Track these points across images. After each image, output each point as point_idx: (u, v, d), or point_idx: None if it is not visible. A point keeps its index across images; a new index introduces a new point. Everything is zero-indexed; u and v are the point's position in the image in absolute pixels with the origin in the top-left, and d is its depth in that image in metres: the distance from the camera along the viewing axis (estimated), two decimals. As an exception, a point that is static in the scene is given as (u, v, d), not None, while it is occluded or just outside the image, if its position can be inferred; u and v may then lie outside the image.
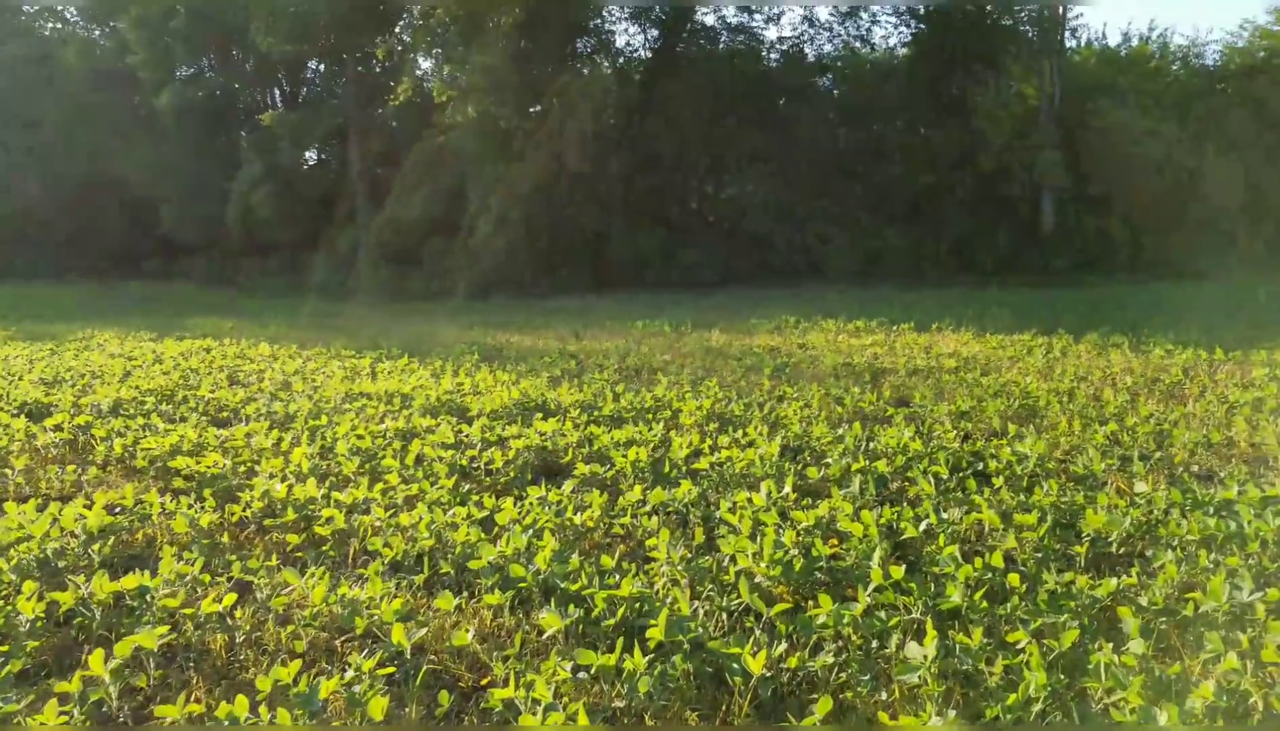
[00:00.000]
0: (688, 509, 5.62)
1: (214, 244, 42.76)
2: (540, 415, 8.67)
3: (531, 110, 33.51)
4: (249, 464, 6.90)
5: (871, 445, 7.13)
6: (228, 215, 41.22)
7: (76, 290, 34.02)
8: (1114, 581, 4.12)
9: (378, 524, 5.30)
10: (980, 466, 6.51)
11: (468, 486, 6.16)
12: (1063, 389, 9.57)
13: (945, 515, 5.10)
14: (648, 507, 5.56)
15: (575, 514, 5.44)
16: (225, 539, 5.41)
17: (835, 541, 4.91)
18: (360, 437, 7.59)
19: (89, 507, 5.52)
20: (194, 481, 6.47)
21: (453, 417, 8.64)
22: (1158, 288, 27.19)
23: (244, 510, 5.75)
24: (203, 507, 5.79)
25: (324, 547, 5.16)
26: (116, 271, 41.46)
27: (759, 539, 4.67)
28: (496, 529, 5.27)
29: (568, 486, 5.97)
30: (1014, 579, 4.17)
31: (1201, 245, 31.26)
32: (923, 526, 4.93)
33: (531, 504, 5.66)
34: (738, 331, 17.31)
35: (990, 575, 4.26)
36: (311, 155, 46.45)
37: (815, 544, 4.67)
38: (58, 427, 8.07)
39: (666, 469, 6.37)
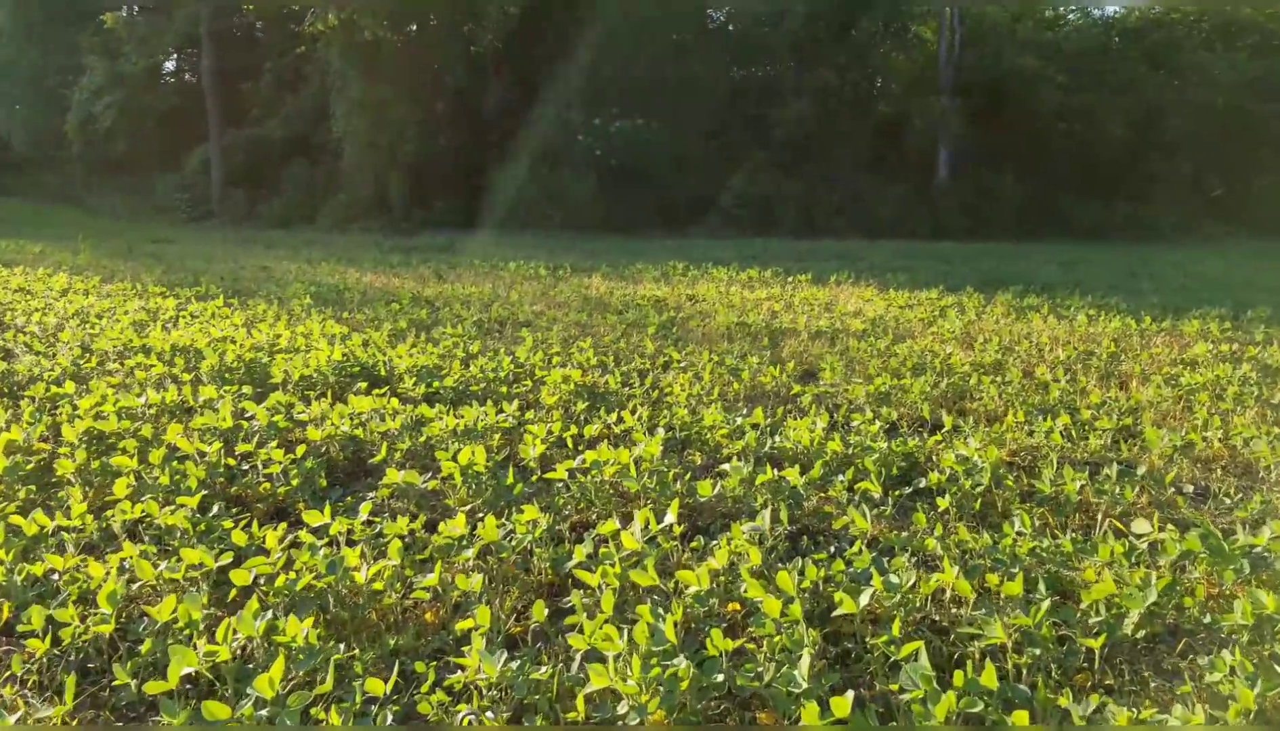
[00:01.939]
0: (529, 555, 3.92)
1: (56, 158, 38.16)
2: (365, 384, 6.78)
3: (409, 28, 30.47)
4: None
5: (777, 439, 5.56)
6: (68, 126, 36.74)
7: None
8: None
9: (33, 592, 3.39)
10: (918, 478, 5.03)
11: (219, 507, 4.27)
12: (988, 362, 8.24)
13: (894, 576, 3.54)
14: (470, 554, 3.81)
15: (359, 562, 3.65)
16: None
17: (743, 627, 3.31)
18: (103, 418, 5.56)
19: None
20: None
21: (249, 387, 6.65)
22: (1059, 246, 26.77)
23: None
24: None
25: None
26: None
27: (626, 632, 3.01)
28: (232, 594, 3.45)
29: (365, 509, 4.17)
30: (1021, 719, 2.63)
31: (1098, 201, 31.16)
32: (864, 598, 3.36)
33: (297, 545, 3.84)
34: (621, 278, 15.59)
35: (982, 705, 2.71)
36: (169, 64, 41.89)
37: (711, 636, 3.03)
38: None
39: (509, 479, 4.63)
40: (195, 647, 2.92)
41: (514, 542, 3.93)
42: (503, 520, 4.16)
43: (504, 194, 30.41)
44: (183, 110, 37.29)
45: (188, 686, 2.92)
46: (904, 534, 4.19)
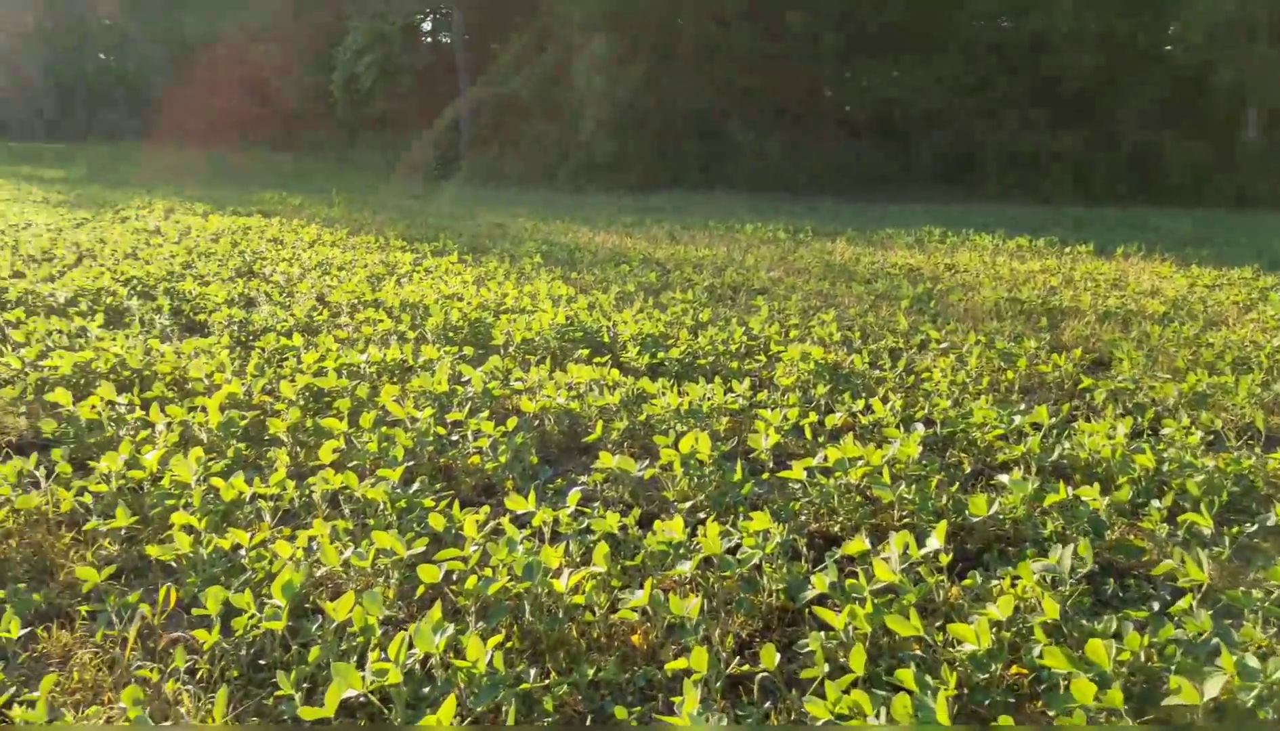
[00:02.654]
0: (758, 572, 3.32)
1: (322, 116, 41.50)
2: (586, 350, 6.42)
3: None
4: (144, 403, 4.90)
5: (1066, 446, 4.62)
6: (333, 85, 39.80)
7: (185, 155, 33.04)
8: None
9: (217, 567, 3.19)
10: (1262, 512, 3.97)
11: (422, 481, 3.99)
12: (1338, 363, 6.70)
13: (1250, 656, 2.63)
14: (687, 568, 3.27)
15: (561, 565, 3.21)
16: None
17: (1031, 698, 2.56)
18: (323, 374, 5.52)
19: None
20: (57, 431, 4.54)
21: (470, 348, 6.48)
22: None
23: (75, 498, 3.78)
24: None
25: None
26: (228, 140, 40.36)
27: (883, 711, 2.35)
28: (419, 590, 3.11)
29: (573, 499, 3.73)
30: None
31: None
32: (1211, 685, 2.50)
33: (497, 534, 3.45)
34: (869, 243, 14.55)
35: None
36: (426, 24, 44.42)
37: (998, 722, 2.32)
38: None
39: (737, 475, 4.04)
40: (365, 663, 2.57)
41: (740, 556, 3.34)
42: (727, 525, 3.58)
43: (746, 153, 29.69)
44: (437, 69, 39.35)
45: (362, 699, 2.56)
46: (1254, 592, 3.21)
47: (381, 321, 7.11)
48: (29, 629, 3.02)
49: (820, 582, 3.11)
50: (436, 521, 3.51)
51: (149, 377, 5.62)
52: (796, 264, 12.00)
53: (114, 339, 6.28)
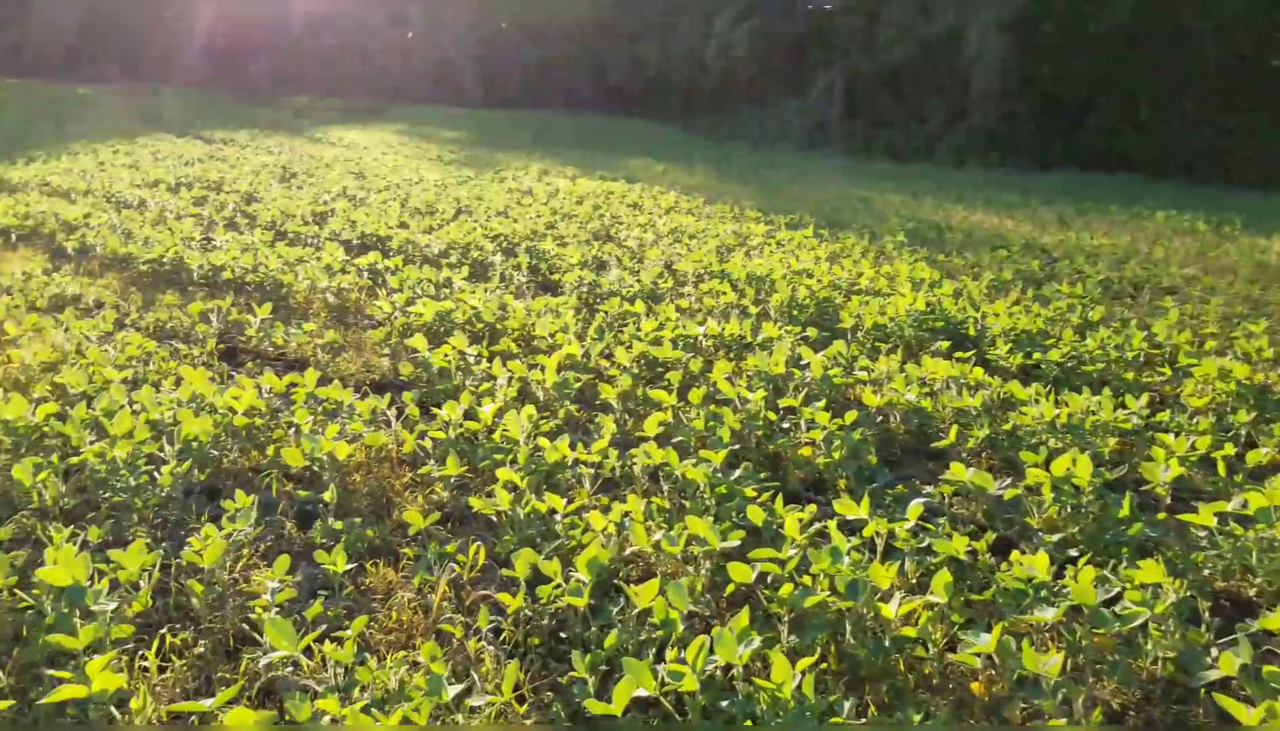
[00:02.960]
0: (1142, 633, 2.79)
1: (697, 83, 42.91)
2: (946, 343, 5.94)
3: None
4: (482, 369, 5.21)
5: None
6: (709, 53, 41.00)
7: (568, 121, 35.79)
8: None
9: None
10: None
11: (746, 467, 3.82)
12: None
13: None
14: (1049, 616, 2.81)
15: (892, 587, 2.89)
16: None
17: None
18: (658, 344, 5.56)
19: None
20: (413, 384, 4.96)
21: (814, 329, 6.24)
22: None
23: (416, 441, 4.07)
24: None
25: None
26: (606, 107, 42.83)
27: None
28: (729, 588, 2.95)
29: (914, 512, 3.37)
30: None
31: None
32: None
33: (821, 539, 3.20)
34: (1321, 243, 12.28)
35: None
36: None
37: None
38: (368, 270, 7.15)
39: (1124, 511, 3.45)
40: (663, 656, 2.45)
41: (1121, 611, 2.81)
42: (1105, 570, 3.05)
43: (1167, 129, 26.45)
44: (812, 37, 39.16)
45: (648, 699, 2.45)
46: None
47: (724, 294, 7.08)
48: (359, 562, 3.26)
49: (1228, 662, 2.52)
50: (756, 514, 3.33)
51: (499, 332, 6.00)
52: (1219, 261, 10.39)
53: (473, 292, 6.79)
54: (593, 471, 3.80)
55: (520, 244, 9.07)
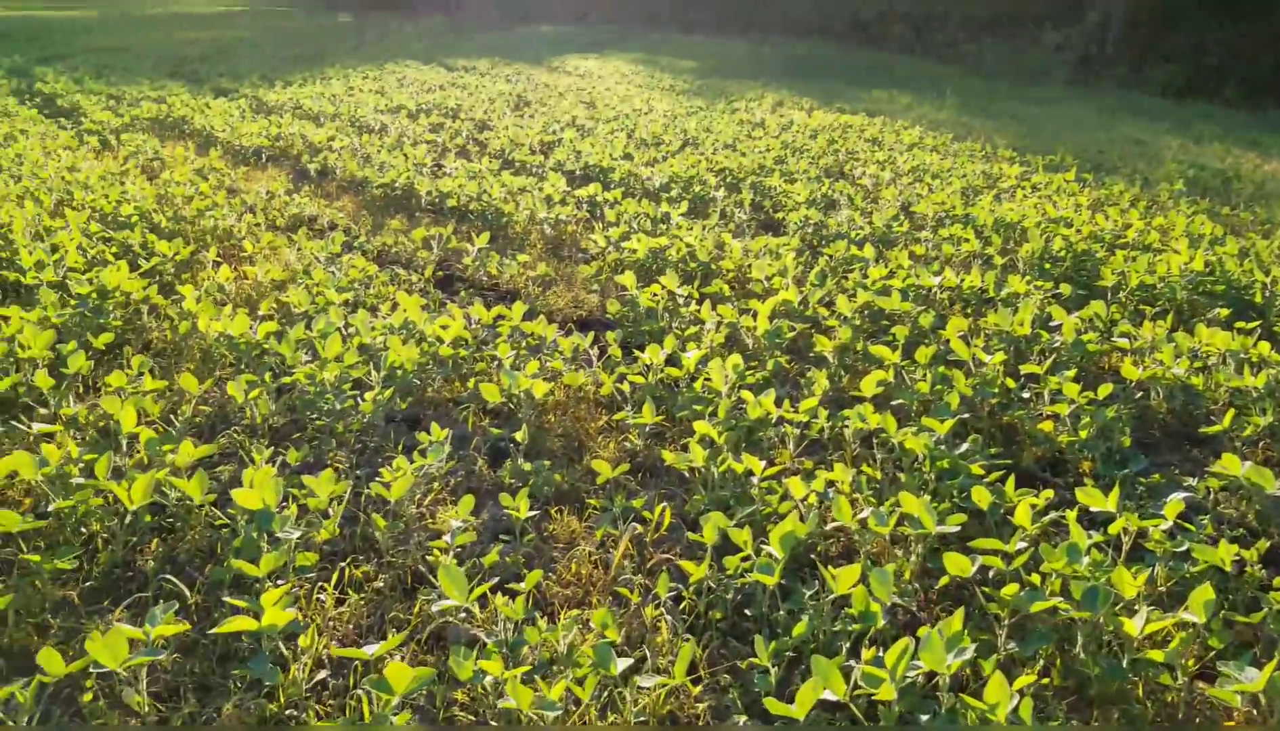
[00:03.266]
0: None
1: (947, 12, 40.54)
2: (1226, 310, 5.22)
3: None
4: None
5: None
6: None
7: (817, 50, 34.82)
8: None
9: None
10: None
11: (975, 441, 3.46)
12: None
13: None
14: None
15: (1137, 598, 2.52)
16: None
17: None
18: (885, 294, 5.20)
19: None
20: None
21: (1067, 286, 5.64)
22: None
23: (615, 384, 3.97)
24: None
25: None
26: (853, 39, 41.23)
27: None
28: (942, 580, 2.67)
29: (1172, 508, 2.93)
30: None
31: None
32: None
33: (1055, 530, 2.84)
34: None
35: None
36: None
37: None
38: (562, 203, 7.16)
39: None
40: (853, 660, 2.21)
41: None
42: None
43: None
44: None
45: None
46: None
47: (967, 241, 6.53)
48: (544, 508, 3.20)
49: None
50: (981, 495, 2.99)
51: (713, 272, 5.81)
52: None
53: (690, 228, 6.62)
54: (798, 432, 3.56)
55: (745, 179, 8.79)
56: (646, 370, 4.06)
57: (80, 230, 5.68)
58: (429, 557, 2.82)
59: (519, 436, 3.42)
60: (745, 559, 2.68)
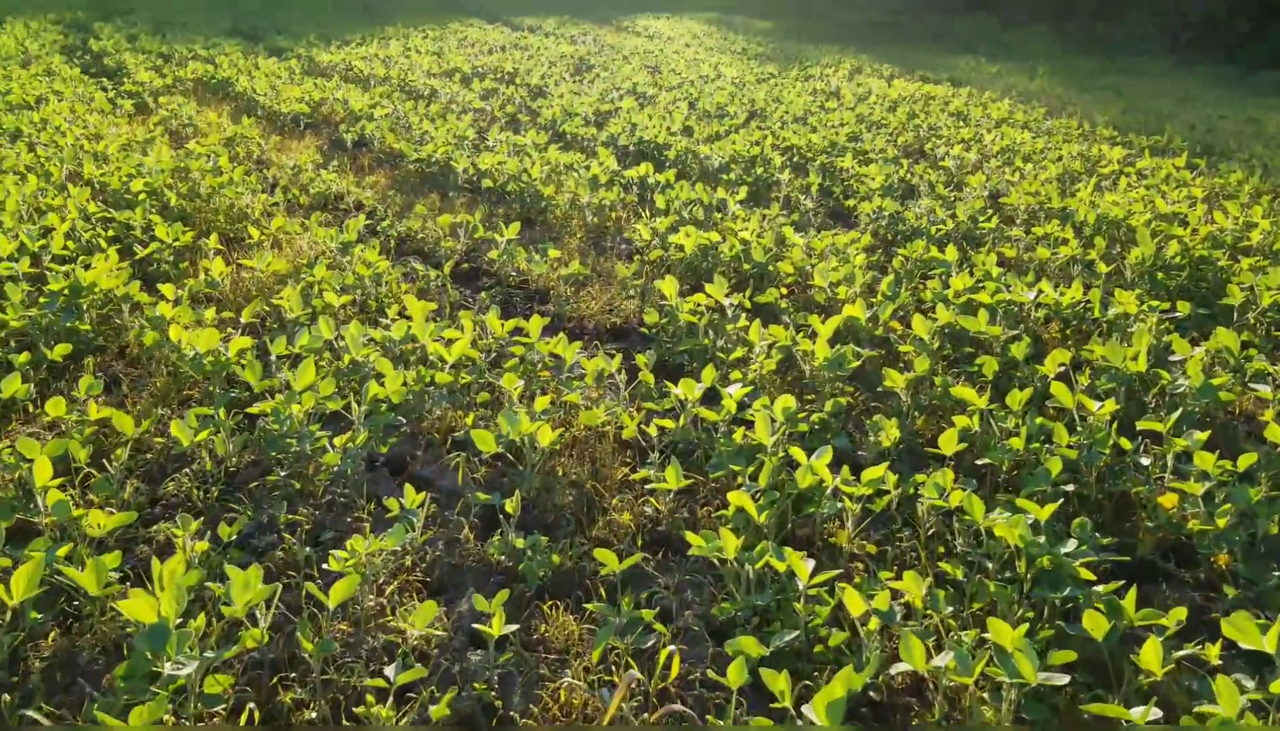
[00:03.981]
0: None
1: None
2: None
3: None
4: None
5: None
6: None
7: (899, 12, 33.33)
8: None
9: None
10: None
11: (1079, 526, 2.74)
12: None
13: None
14: None
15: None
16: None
17: None
18: (969, 311, 4.45)
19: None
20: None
21: (1185, 304, 4.81)
22: None
23: (638, 425, 3.32)
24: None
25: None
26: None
27: None
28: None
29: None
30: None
31: None
32: None
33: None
34: None
35: None
36: None
37: None
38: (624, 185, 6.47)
39: None
40: None
41: None
42: None
43: None
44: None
45: None
46: None
47: (1065, 243, 5.71)
48: (535, 598, 2.58)
49: None
50: (1096, 624, 2.27)
51: (768, 276, 5.09)
52: None
53: (748, 219, 5.89)
54: (858, 506, 2.87)
55: (814, 159, 8.01)
56: (679, 408, 3.39)
57: (78, 210, 5.18)
58: (366, 697, 2.19)
59: (509, 507, 2.77)
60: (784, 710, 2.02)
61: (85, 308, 4.09)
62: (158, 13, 18.44)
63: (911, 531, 2.96)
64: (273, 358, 3.60)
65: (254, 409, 3.24)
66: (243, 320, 3.88)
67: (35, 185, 5.54)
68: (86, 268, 4.34)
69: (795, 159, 8.10)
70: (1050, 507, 2.72)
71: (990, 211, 6.42)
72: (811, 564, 2.43)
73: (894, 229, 6.15)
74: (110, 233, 5.00)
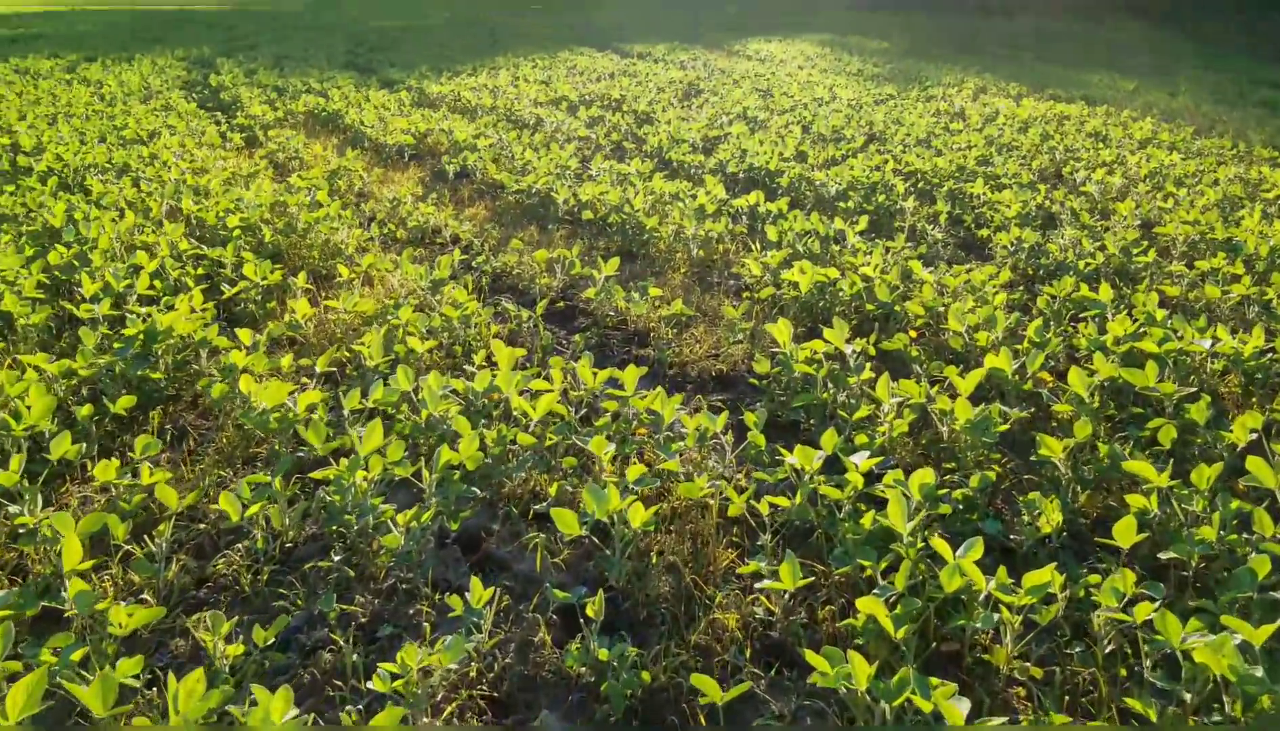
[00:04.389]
0: None
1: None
2: None
3: None
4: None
5: None
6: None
7: (1025, 27, 32.08)
8: None
9: None
10: None
11: None
12: None
13: None
14: None
15: None
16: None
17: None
18: (1132, 363, 3.85)
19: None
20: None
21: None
22: None
23: (749, 504, 2.85)
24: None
25: None
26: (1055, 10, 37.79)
27: None
28: None
29: None
30: None
31: None
32: None
33: None
34: None
35: None
36: None
37: None
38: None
39: None
40: None
41: None
42: None
43: None
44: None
45: None
46: None
47: (1237, 280, 5.01)
48: (624, 721, 2.13)
49: None
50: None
51: (896, 317, 4.55)
52: None
53: (870, 252, 5.37)
54: (1019, 618, 2.33)
55: (941, 185, 7.40)
56: (795, 479, 2.91)
57: (169, 247, 5.00)
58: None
59: (590, 611, 2.33)
60: None
61: (160, 353, 3.85)
62: (281, 48, 18.89)
63: (1085, 647, 2.40)
64: (346, 412, 3.27)
65: (316, 474, 2.89)
66: (318, 370, 3.57)
67: (131, 222, 5.41)
68: (170, 309, 4.13)
69: (919, 185, 7.51)
70: (1267, 630, 2.14)
71: (1145, 243, 5.73)
72: (966, 707, 1.91)
73: (1035, 263, 5.53)
74: (200, 270, 4.80)
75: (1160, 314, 4.33)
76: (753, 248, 5.75)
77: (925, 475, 2.77)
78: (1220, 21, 31.64)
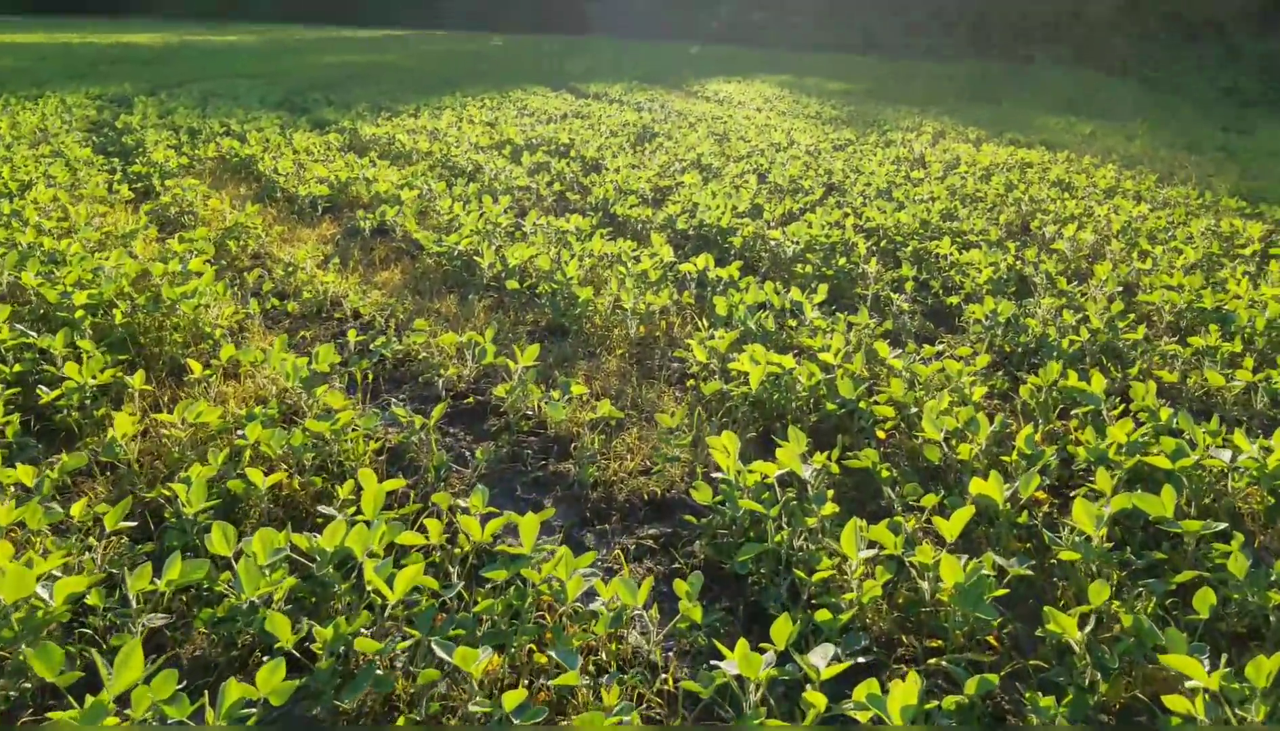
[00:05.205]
0: None
1: (1121, 20, 36.80)
2: None
3: None
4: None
5: None
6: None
7: (975, 69, 31.97)
8: None
9: None
10: None
11: None
12: None
13: None
14: None
15: None
16: None
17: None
18: (1144, 484, 3.15)
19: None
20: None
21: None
22: None
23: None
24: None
25: None
26: (1017, 53, 37.80)
27: None
28: None
29: None
30: None
31: None
32: None
33: None
34: None
35: None
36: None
37: None
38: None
39: None
40: None
41: None
42: None
43: None
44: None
45: None
46: None
47: (1236, 359, 4.36)
48: None
49: None
50: None
51: (862, 420, 3.82)
52: None
53: (830, 329, 4.66)
54: None
55: (905, 244, 6.74)
56: (737, 690, 2.14)
57: (-10, 335, 4.11)
58: None
59: None
60: None
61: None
62: (213, 85, 18.00)
63: None
64: (130, 594, 2.45)
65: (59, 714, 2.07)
66: (107, 527, 2.72)
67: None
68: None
69: (882, 243, 6.84)
70: None
71: (1130, 315, 5.08)
72: None
73: (1013, 340, 4.85)
74: (16, 369, 3.92)
75: (1165, 413, 3.64)
76: (700, 324, 5.02)
77: (908, 693, 2.03)
78: (1150, 62, 31.78)
